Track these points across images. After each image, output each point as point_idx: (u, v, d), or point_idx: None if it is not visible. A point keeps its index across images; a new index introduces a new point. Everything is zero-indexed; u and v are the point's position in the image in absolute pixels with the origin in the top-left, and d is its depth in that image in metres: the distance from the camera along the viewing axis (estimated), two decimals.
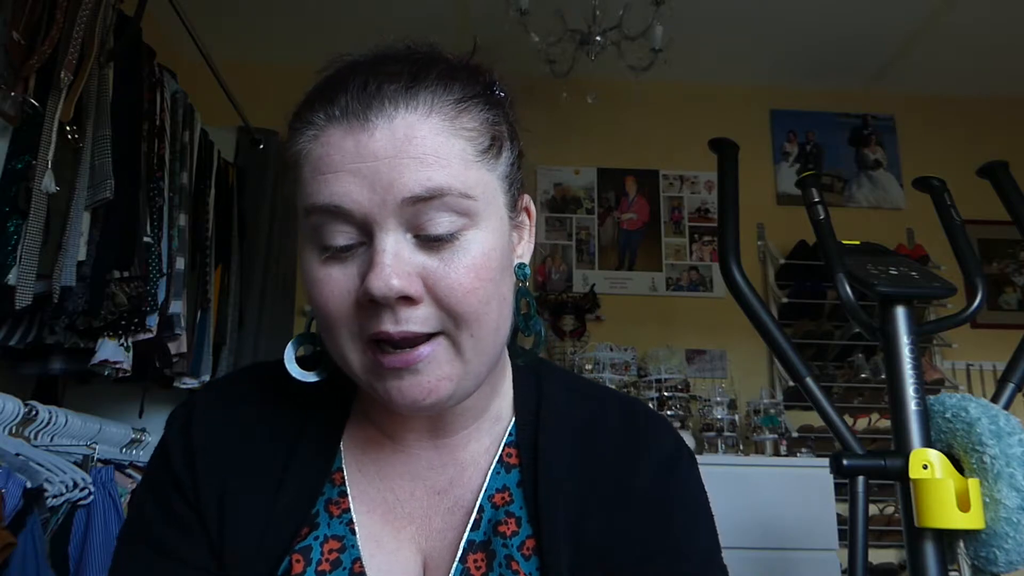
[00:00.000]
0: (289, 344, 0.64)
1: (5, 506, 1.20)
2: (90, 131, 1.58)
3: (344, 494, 0.61)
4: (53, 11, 1.51)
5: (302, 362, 0.64)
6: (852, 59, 3.34)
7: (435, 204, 0.52)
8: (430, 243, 0.53)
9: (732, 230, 1.40)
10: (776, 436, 2.68)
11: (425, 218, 0.53)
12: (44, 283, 1.48)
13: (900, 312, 1.26)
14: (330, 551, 0.58)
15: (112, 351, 1.70)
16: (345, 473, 0.62)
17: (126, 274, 1.70)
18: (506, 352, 0.67)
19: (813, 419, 2.91)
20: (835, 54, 3.30)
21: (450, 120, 0.54)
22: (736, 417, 2.76)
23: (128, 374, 1.78)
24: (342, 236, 0.53)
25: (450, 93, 0.55)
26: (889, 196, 3.48)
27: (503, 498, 0.62)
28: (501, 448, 0.64)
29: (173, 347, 1.98)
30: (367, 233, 0.53)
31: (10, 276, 1.42)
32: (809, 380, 1.32)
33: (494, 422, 0.66)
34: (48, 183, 1.45)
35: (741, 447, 2.73)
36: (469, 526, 0.60)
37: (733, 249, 1.39)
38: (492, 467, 0.63)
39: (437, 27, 3.06)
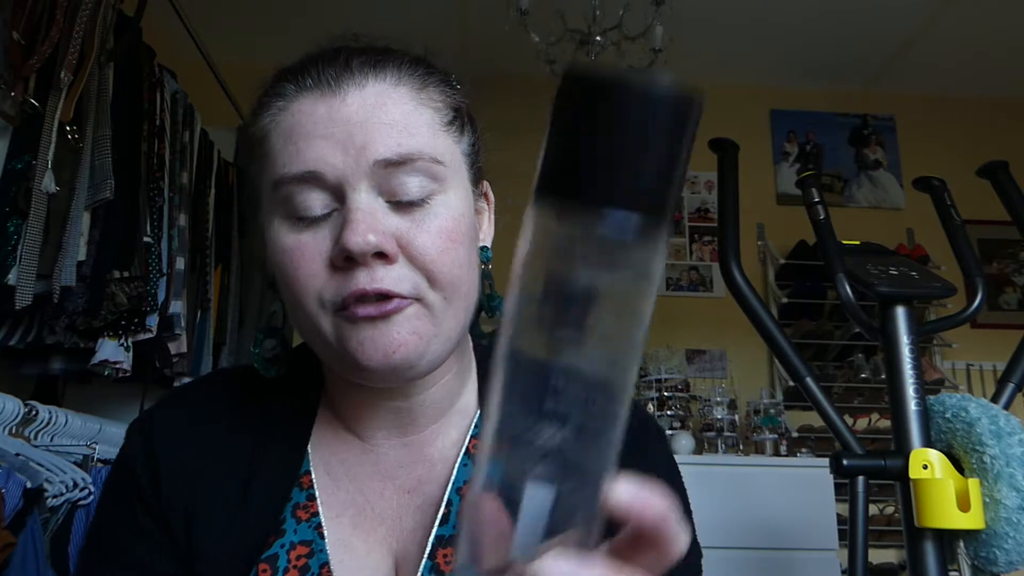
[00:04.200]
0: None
1: (5, 506, 1.20)
2: (90, 131, 1.58)
3: (312, 497, 0.60)
4: (53, 11, 1.51)
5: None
6: (852, 59, 3.34)
7: (406, 168, 0.54)
8: (402, 206, 0.54)
9: (732, 230, 1.41)
10: (776, 436, 2.68)
11: (396, 182, 0.54)
12: (44, 283, 1.48)
13: (900, 312, 1.26)
14: (297, 557, 0.57)
15: (112, 351, 1.70)
16: (313, 476, 0.61)
17: (126, 274, 1.70)
18: (472, 347, 0.67)
19: (813, 419, 2.91)
20: (835, 54, 3.30)
21: (417, 91, 0.57)
22: (736, 417, 2.77)
23: (128, 374, 1.78)
24: (315, 203, 0.54)
25: (415, 68, 0.58)
26: (889, 196, 3.48)
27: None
28: (468, 440, 0.63)
29: (173, 347, 1.98)
30: (340, 197, 0.53)
31: (10, 276, 1.42)
32: (809, 380, 1.32)
33: (461, 416, 0.65)
34: (48, 183, 1.45)
35: (741, 447, 2.73)
36: (437, 521, 0.59)
37: (733, 249, 1.39)
38: (459, 459, 0.62)
39: (437, 27, 3.07)
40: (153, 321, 1.80)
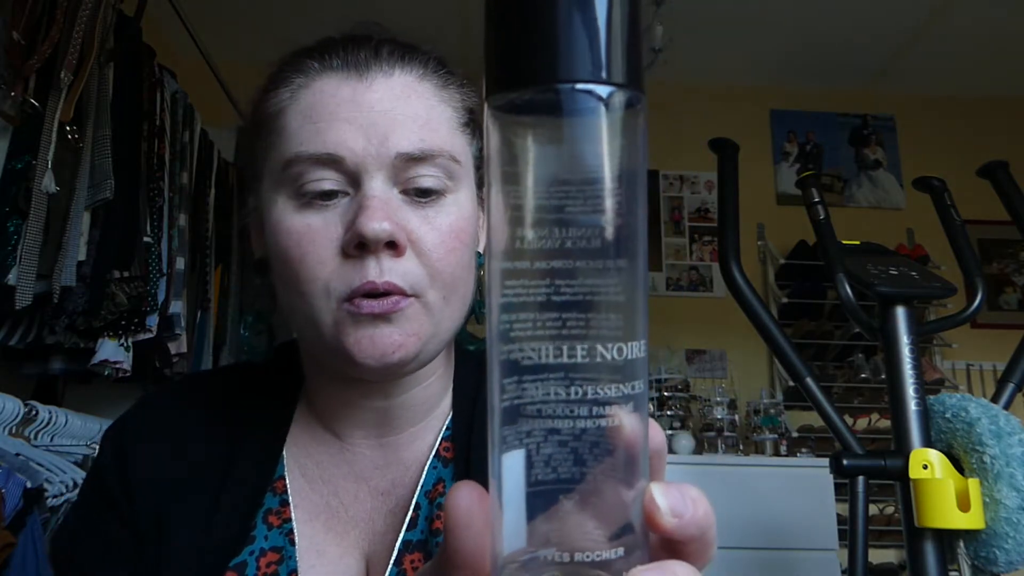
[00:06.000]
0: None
1: (5, 506, 1.20)
2: (90, 131, 1.58)
3: (286, 503, 0.59)
4: (53, 11, 1.51)
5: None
6: (852, 59, 3.34)
7: (425, 164, 0.54)
8: (415, 201, 0.54)
9: (732, 230, 1.41)
10: (776, 436, 2.68)
11: (413, 176, 0.54)
12: (44, 283, 1.48)
13: (900, 312, 1.26)
14: (268, 564, 0.56)
15: (112, 351, 1.70)
16: (287, 480, 0.60)
17: (126, 274, 1.70)
18: (454, 349, 0.66)
19: (813, 419, 2.90)
20: (835, 54, 3.30)
21: (439, 88, 0.57)
22: (736, 417, 2.77)
23: (128, 374, 1.77)
24: (328, 183, 0.53)
25: (439, 66, 0.58)
26: (889, 196, 3.48)
27: (438, 491, 0.60)
28: (439, 442, 0.62)
29: (173, 347, 1.98)
30: (355, 183, 0.53)
31: (10, 276, 1.42)
32: (809, 380, 1.32)
33: (439, 420, 0.64)
34: (48, 183, 1.45)
35: (741, 447, 2.73)
36: (405, 526, 0.58)
37: (733, 249, 1.39)
38: (429, 462, 0.61)
39: (437, 27, 3.06)
40: (153, 321, 1.79)
